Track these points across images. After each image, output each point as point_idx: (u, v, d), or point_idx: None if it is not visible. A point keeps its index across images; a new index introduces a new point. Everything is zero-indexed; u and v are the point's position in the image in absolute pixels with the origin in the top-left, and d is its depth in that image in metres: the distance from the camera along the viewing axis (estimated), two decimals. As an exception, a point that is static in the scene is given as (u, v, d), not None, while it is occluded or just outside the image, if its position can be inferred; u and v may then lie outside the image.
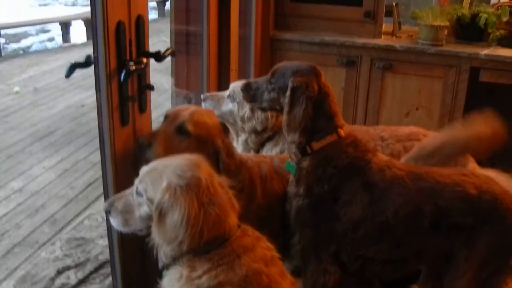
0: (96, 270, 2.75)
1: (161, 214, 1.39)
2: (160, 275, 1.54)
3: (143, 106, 1.84)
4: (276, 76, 1.88)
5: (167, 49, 1.87)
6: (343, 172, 1.79)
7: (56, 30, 11.44)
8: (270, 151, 2.45)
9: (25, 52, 10.66)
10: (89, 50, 1.66)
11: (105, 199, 1.79)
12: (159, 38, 7.43)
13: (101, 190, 2.04)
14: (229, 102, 2.45)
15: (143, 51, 1.77)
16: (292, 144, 1.88)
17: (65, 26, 10.64)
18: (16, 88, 7.19)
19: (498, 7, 3.47)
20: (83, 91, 6.97)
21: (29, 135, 5.57)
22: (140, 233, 1.53)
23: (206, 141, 1.82)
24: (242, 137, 2.50)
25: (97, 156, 4.41)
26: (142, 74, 1.79)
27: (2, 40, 10.10)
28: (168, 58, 1.91)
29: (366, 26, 3.48)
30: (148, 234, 1.48)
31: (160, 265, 1.53)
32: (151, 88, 1.84)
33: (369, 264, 1.88)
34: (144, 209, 1.48)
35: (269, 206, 1.96)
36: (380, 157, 1.86)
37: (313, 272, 1.89)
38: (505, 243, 1.75)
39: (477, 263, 1.75)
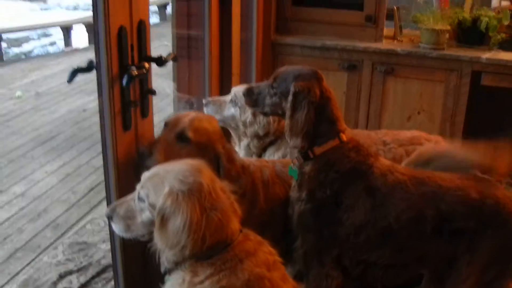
0: (98, 274, 2.75)
1: (163, 219, 1.39)
2: (162, 280, 1.53)
3: (145, 111, 1.84)
4: (278, 80, 1.88)
5: (169, 54, 1.87)
6: (345, 176, 1.79)
7: (57, 35, 11.46)
8: (272, 155, 2.45)
9: (27, 56, 10.69)
10: (91, 55, 1.67)
11: (108, 203, 1.79)
12: (161, 42, 7.45)
13: (103, 194, 2.04)
14: (231, 107, 2.45)
15: (145, 56, 1.78)
16: (294, 149, 1.88)
17: (67, 30, 10.67)
18: (18, 93, 7.20)
19: (499, 10, 3.47)
20: (85, 95, 6.99)
21: (31, 139, 5.58)
22: (142, 238, 1.53)
23: (207, 147, 1.82)
24: (244, 141, 2.50)
25: (99, 161, 4.42)
26: (144, 79, 1.79)
27: (4, 45, 10.10)
28: (170, 63, 1.91)
29: (367, 30, 3.48)
30: (150, 239, 1.48)
31: (162, 270, 1.52)
32: (153, 92, 1.85)
33: (372, 268, 1.88)
34: (146, 215, 1.48)
35: (271, 210, 1.96)
36: (382, 162, 1.85)
37: (316, 277, 1.88)
38: (507, 247, 1.75)
39: (479, 267, 1.75)
